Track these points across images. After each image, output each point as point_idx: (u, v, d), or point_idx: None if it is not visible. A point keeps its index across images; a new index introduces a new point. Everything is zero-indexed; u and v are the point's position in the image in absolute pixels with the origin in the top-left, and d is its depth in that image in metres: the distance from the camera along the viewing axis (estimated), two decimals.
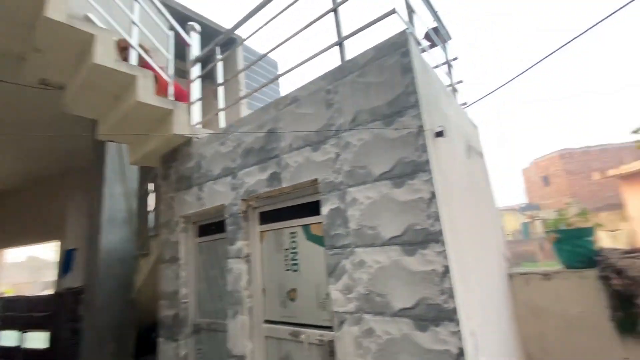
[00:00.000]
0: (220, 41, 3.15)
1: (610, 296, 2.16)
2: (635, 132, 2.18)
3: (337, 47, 2.06)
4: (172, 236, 3.07)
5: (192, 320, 2.89)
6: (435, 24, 2.89)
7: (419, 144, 1.57)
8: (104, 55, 2.50)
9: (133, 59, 2.81)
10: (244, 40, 3.06)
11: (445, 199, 1.58)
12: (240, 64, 6.18)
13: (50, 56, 2.63)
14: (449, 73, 2.99)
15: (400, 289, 1.55)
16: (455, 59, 3.23)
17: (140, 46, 2.91)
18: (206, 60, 3.54)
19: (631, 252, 2.25)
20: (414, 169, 1.58)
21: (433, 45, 2.92)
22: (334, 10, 2.10)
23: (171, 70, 3.29)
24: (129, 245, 4.22)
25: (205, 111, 4.36)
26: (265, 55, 2.77)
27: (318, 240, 2.04)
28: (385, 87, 1.73)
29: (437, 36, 2.94)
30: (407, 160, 1.60)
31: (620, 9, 2.48)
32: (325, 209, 1.89)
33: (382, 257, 1.63)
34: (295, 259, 2.16)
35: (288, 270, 2.20)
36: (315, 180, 1.97)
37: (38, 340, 6.44)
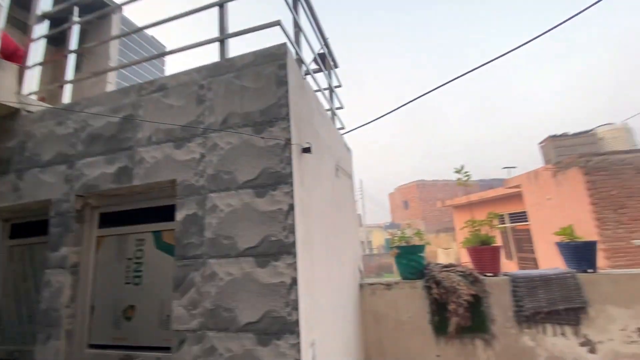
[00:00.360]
0: (81, 1, 2.58)
1: (431, 303, 2.62)
2: (456, 171, 2.76)
3: (218, 44, 1.93)
4: None
5: None
6: (323, 51, 3.09)
7: (285, 156, 1.58)
8: None
9: None
10: (120, 5, 2.59)
11: (303, 212, 1.61)
12: (116, 32, 5.24)
13: None
14: (331, 98, 3.22)
15: (249, 303, 1.48)
16: (338, 86, 3.51)
17: None
18: (61, 21, 2.85)
19: (448, 267, 2.79)
20: (277, 180, 1.56)
21: (319, 69, 3.10)
22: (220, 5, 1.98)
23: (2, 19, 2.50)
24: None
25: (52, 81, 3.51)
26: (141, 29, 2.38)
27: (170, 249, 1.80)
28: (260, 94, 1.69)
29: (324, 62, 3.14)
30: (271, 171, 1.58)
31: (486, 63, 3.16)
32: (180, 215, 1.69)
33: (235, 269, 1.54)
34: (139, 270, 1.85)
35: (128, 283, 1.86)
36: (174, 181, 1.76)
37: None
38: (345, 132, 3.52)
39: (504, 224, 10.47)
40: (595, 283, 2.36)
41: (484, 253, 2.65)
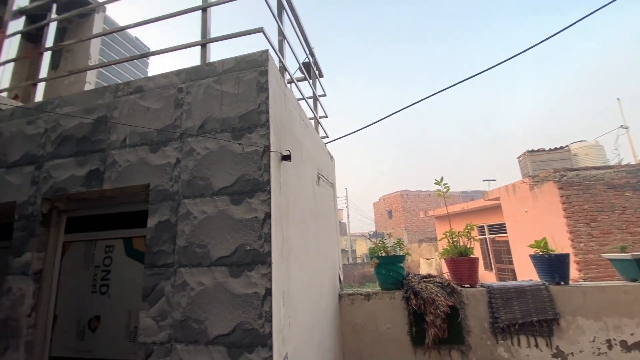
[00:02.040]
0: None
1: (409, 314, 2.61)
2: (437, 183, 2.80)
3: (200, 48, 1.90)
4: None
5: None
6: (308, 60, 3.10)
7: (263, 163, 1.55)
8: None
9: None
10: (102, 4, 2.52)
11: (280, 221, 1.58)
12: (98, 38, 5.12)
13: None
14: (315, 107, 3.22)
15: (220, 314, 1.42)
16: (322, 95, 3.53)
17: None
18: (38, 17, 2.75)
19: (426, 278, 2.80)
20: (254, 187, 1.53)
21: (304, 78, 3.11)
22: (204, 9, 1.96)
23: None
24: None
25: (26, 79, 3.38)
26: (123, 29, 2.33)
27: (140, 256, 1.73)
28: (240, 100, 1.67)
29: (309, 72, 3.15)
30: (248, 178, 1.55)
31: (470, 78, 3.23)
32: (152, 221, 1.63)
33: (207, 279, 1.48)
34: (106, 279, 1.76)
35: (95, 292, 1.77)
36: (147, 185, 1.69)
37: None
38: (329, 141, 3.52)
39: (484, 235, 10.69)
40: (567, 295, 2.42)
41: (462, 264, 2.67)
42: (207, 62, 1.84)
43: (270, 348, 1.33)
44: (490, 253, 10.58)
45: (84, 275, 1.81)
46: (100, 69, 5.17)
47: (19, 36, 2.66)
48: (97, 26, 4.63)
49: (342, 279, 3.03)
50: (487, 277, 10.16)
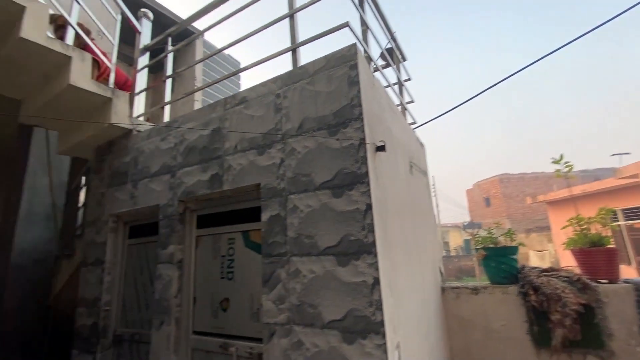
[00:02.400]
0: (173, 32, 2.98)
1: (528, 311, 2.34)
2: (555, 162, 2.42)
3: (290, 53, 2.04)
4: (99, 236, 2.78)
5: (114, 330, 2.61)
6: (390, 45, 3.02)
7: (360, 156, 1.59)
8: (33, 29, 2.23)
9: (70, 38, 2.54)
10: (202, 32, 2.92)
11: (380, 212, 1.60)
12: (200, 56, 5.95)
13: None
14: (400, 93, 3.12)
15: (332, 301, 1.52)
16: (407, 79, 3.39)
17: (80, 26, 2.65)
18: (158, 51, 3.34)
19: (547, 271, 2.47)
20: (353, 180, 1.58)
21: (388, 65, 3.04)
22: (290, 16, 2.09)
23: (114, 56, 3.04)
24: (49, 245, 3.76)
25: (153, 104, 4.08)
26: (219, 51, 2.67)
27: (256, 247, 1.96)
28: (333, 97, 1.73)
29: (392, 57, 3.07)
30: (347, 171, 1.61)
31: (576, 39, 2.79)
32: (265, 215, 1.83)
33: (317, 267, 1.60)
34: (231, 267, 2.05)
35: (223, 278, 2.08)
36: (258, 184, 1.91)
37: None
38: (417, 127, 3.38)
39: (617, 221, 8.81)
40: None
41: (596, 256, 2.26)
42: (299, 65, 1.96)
43: (384, 336, 1.37)
44: (627, 243, 8.65)
45: (213, 264, 2.15)
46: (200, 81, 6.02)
47: (145, 69, 3.25)
48: (199, 50, 5.38)
49: (443, 271, 2.89)
50: (626, 272, 8.34)
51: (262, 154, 1.94)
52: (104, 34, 3.01)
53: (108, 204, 2.79)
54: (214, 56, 5.88)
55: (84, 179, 4.06)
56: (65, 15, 2.54)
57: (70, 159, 4.07)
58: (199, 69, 5.44)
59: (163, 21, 4.85)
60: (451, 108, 3.67)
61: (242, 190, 2.02)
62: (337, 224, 1.59)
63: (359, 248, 1.50)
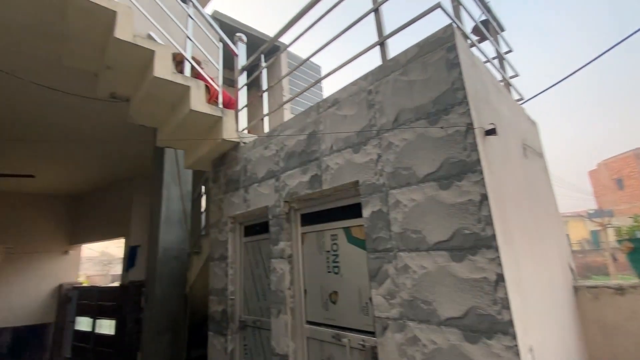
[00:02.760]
0: (264, 50, 3.26)
1: None
2: None
3: (379, 47, 2.02)
4: (221, 235, 3.24)
5: (239, 316, 3.00)
6: (485, 17, 2.71)
7: (468, 142, 1.47)
8: (162, 68, 2.73)
9: (187, 71, 3.02)
10: (287, 46, 3.13)
11: (497, 202, 1.46)
12: (284, 69, 6.37)
13: (119, 72, 2.94)
14: (502, 67, 2.78)
15: (447, 297, 1.45)
16: (508, 51, 3.00)
17: (194, 58, 3.13)
18: (251, 69, 3.70)
19: None
20: (462, 169, 1.48)
21: (483, 39, 2.74)
22: (375, 10, 2.07)
23: (220, 80, 3.48)
24: (183, 244, 4.54)
25: (250, 117, 4.53)
26: (305, 61, 2.80)
27: (359, 243, 2.00)
28: (430, 84, 1.65)
29: (488, 29, 2.75)
30: (454, 161, 1.51)
31: None
32: (366, 212, 1.86)
33: (428, 263, 1.55)
34: (337, 262, 2.14)
35: (329, 272, 2.19)
36: (356, 182, 1.95)
37: (107, 326, 7.19)
38: (524, 102, 2.95)
39: None
40: None
41: None
42: (389, 58, 1.93)
43: (514, 337, 1.24)
44: None
45: (319, 259, 2.28)
46: (286, 89, 6.45)
47: (244, 87, 3.62)
48: (284, 61, 5.76)
49: (573, 268, 2.47)
50: None
51: (357, 152, 1.97)
52: (209, 61, 3.48)
53: (226, 208, 3.22)
54: (295, 61, 6.23)
55: (203, 188, 4.78)
56: (183, 52, 3.02)
57: (192, 172, 4.83)
58: (286, 79, 5.83)
59: (250, 40, 5.35)
60: (566, 76, 3.09)
61: (340, 189, 2.09)
62: (447, 217, 1.51)
63: (476, 242, 1.39)
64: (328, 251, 2.22)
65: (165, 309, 4.32)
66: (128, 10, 2.58)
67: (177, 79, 2.82)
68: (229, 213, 3.14)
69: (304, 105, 6.41)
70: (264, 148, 2.81)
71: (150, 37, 3.75)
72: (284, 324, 2.35)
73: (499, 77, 2.65)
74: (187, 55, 3.05)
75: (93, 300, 7.77)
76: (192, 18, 3.17)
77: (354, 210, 2.02)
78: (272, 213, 2.60)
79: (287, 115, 5.63)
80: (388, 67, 1.88)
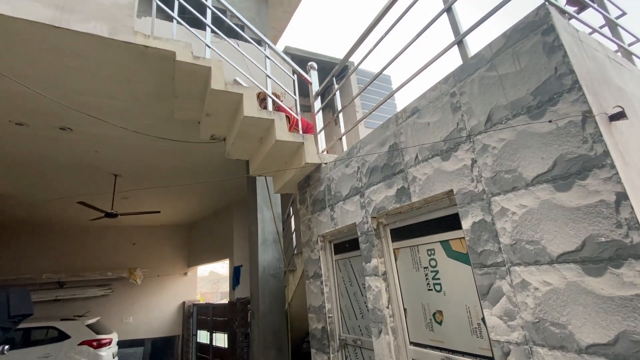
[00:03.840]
0: (335, 72, 3.38)
1: None
2: None
3: (456, 47, 1.89)
4: (313, 254, 3.35)
5: (339, 334, 3.02)
6: None
7: (588, 133, 1.24)
8: (249, 108, 3.05)
9: (270, 106, 3.32)
10: (357, 66, 3.18)
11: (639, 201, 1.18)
12: (354, 86, 6.49)
13: (216, 117, 3.39)
14: (616, 35, 2.31)
15: (586, 319, 1.21)
16: (621, 15, 2.49)
17: (274, 94, 3.42)
18: (324, 92, 3.86)
19: None
20: (584, 166, 1.25)
21: (582, 8, 2.33)
22: (448, 9, 1.96)
23: (298, 107, 3.72)
24: (278, 262, 4.85)
25: (328, 137, 4.69)
26: (377, 75, 2.79)
27: (462, 257, 1.84)
28: (526, 75, 1.46)
29: None
30: (571, 157, 1.29)
31: None
32: (466, 223, 1.70)
33: (553, 278, 1.32)
34: (437, 278, 2.00)
35: (430, 290, 2.05)
36: (450, 191, 1.81)
37: (221, 339, 8.03)
38: None
39: None
40: None
41: None
42: (470, 56, 1.79)
43: None
44: None
45: (416, 275, 2.16)
46: (358, 105, 6.51)
47: (319, 111, 3.78)
48: (353, 77, 5.87)
49: None
50: None
51: (447, 159, 1.84)
52: (287, 92, 3.76)
53: (315, 227, 3.34)
54: (363, 76, 6.28)
55: (291, 209, 5.08)
56: (265, 90, 3.34)
57: (280, 195, 5.19)
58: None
59: (320, 65, 5.62)
60: None
61: (432, 200, 1.97)
62: (571, 223, 1.27)
63: (618, 252, 1.14)
64: (426, 267, 2.09)
65: (269, 324, 4.62)
66: (219, 63, 2.99)
67: (263, 114, 3.10)
68: (319, 232, 3.25)
69: (378, 117, 6.36)
70: (345, 166, 2.85)
71: (236, 82, 4.27)
72: (387, 344, 2.27)
73: (614, 48, 2.21)
74: (268, 91, 3.35)
75: (208, 315, 8.82)
76: (269, 58, 3.50)
77: (451, 222, 1.88)
78: (360, 230, 2.59)
79: (362, 129, 5.66)
80: (471, 65, 1.74)
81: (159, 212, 6.78)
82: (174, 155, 5.32)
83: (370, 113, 3.01)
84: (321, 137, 3.64)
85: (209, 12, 3.37)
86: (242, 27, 5.46)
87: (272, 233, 4.85)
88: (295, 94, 3.73)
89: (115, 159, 5.30)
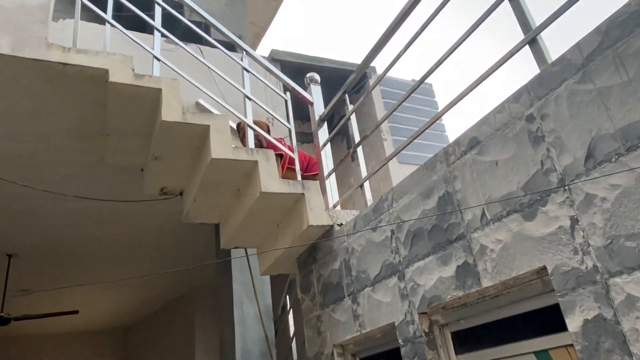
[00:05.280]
0: (349, 85, 3.53)
1: None
2: None
3: (528, 47, 2.00)
4: None
5: None
6: None
7: None
8: (220, 145, 3.16)
9: (251, 140, 3.44)
10: (383, 74, 3.31)
11: None
12: (378, 101, 6.68)
13: (168, 161, 3.52)
14: None
15: None
16: None
17: (257, 122, 3.57)
18: (332, 114, 4.00)
19: None
20: None
21: None
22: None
23: (294, 141, 3.84)
24: None
25: (340, 181, 4.76)
26: (420, 83, 2.86)
27: None
28: (639, 86, 1.51)
29: None
30: None
31: None
32: (573, 321, 1.65)
33: None
34: None
35: None
36: (543, 269, 1.79)
37: None
38: None
39: None
40: None
41: None
42: (550, 62, 1.88)
43: None
44: None
45: None
46: (384, 127, 6.64)
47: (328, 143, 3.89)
48: (375, 92, 6.11)
49: None
50: None
51: (531, 218, 1.84)
52: (276, 119, 3.91)
53: (328, 330, 3.26)
54: (390, 86, 6.46)
55: (287, 299, 5.01)
56: (243, 117, 3.49)
57: (270, 277, 5.15)
58: (380, 110, 6.10)
59: (325, 73, 5.89)
60: None
61: (515, 284, 1.94)
62: None
63: None
64: None
65: None
66: (173, 83, 3.17)
67: (240, 155, 3.21)
68: (335, 339, 3.16)
69: (417, 146, 6.42)
70: (372, 230, 2.86)
71: (199, 106, 4.49)
72: None
73: None
74: (249, 119, 3.50)
75: None
76: (247, 70, 3.70)
77: (550, 318, 1.83)
78: (402, 335, 2.52)
79: (395, 167, 5.72)
80: (553, 74, 1.81)
81: (76, 312, 6.73)
82: (104, 221, 5.41)
83: (408, 144, 3.08)
84: (332, 182, 3.71)
85: (157, 9, 3.64)
86: (208, 25, 5.86)
87: (258, 341, 4.73)
88: (289, 121, 3.87)
89: (9, 230, 5.41)
